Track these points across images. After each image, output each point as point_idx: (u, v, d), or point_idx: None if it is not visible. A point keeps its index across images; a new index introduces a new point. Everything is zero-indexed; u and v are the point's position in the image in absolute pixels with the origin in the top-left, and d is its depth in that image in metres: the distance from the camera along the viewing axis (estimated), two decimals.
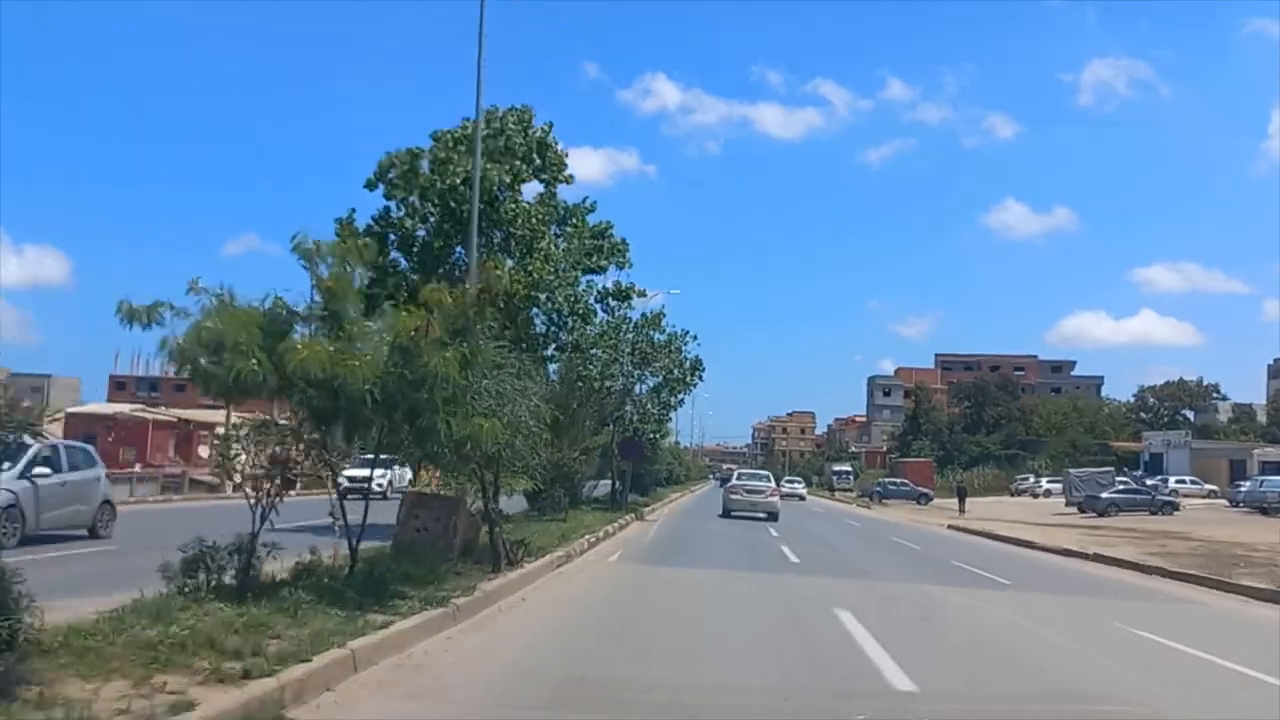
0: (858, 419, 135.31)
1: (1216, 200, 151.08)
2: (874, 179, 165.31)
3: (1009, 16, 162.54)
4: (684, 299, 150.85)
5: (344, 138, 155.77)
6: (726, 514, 30.94)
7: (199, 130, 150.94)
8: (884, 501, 55.41)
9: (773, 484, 34.16)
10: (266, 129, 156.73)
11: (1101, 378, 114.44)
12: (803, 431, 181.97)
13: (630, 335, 29.41)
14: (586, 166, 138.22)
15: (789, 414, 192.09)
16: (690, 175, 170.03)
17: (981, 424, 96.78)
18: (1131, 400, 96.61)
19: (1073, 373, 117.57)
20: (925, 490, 58.43)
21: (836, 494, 74.00)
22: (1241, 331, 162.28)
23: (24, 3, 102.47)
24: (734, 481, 34.65)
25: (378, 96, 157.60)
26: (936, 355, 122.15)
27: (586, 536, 18.03)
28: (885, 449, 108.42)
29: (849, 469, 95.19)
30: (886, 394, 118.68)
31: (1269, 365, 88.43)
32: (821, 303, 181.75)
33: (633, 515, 28.26)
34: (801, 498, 57.52)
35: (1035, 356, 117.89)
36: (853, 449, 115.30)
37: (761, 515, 30.30)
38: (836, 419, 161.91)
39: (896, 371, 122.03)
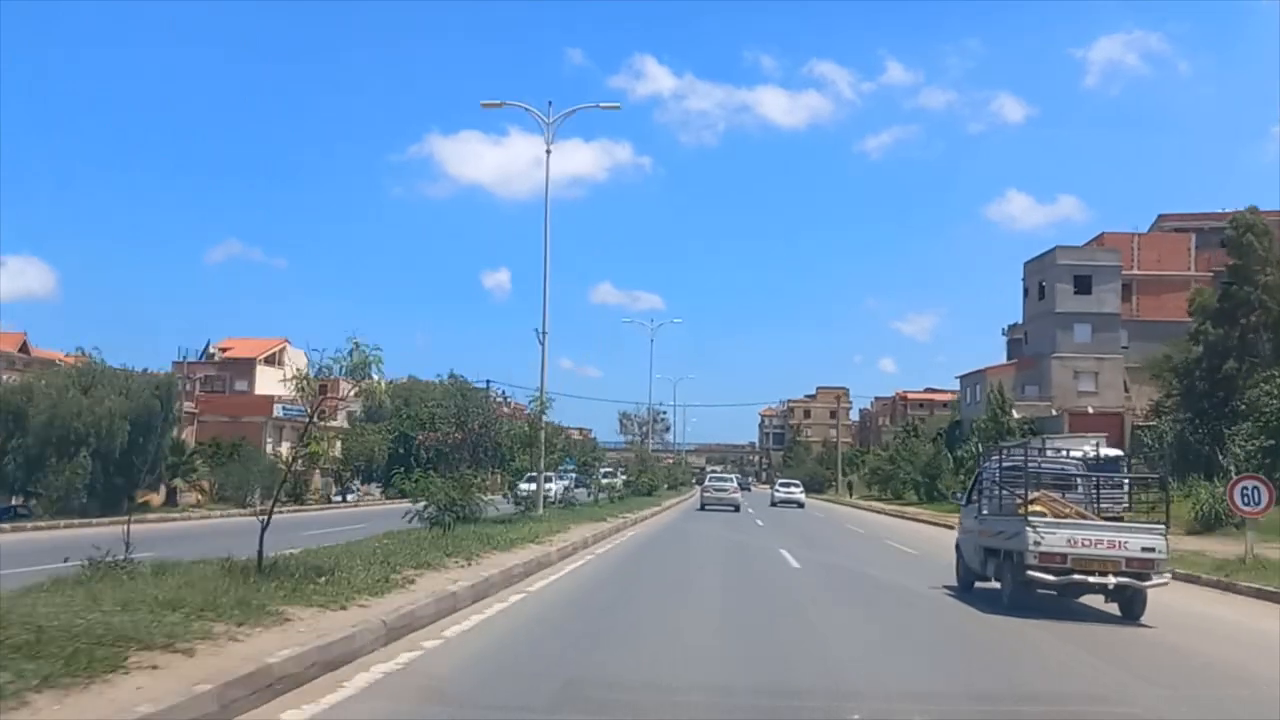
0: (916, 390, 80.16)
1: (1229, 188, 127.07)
2: (874, 168, 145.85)
3: None
4: (679, 298, 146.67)
5: (329, 138, 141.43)
6: (703, 507, 40.18)
7: (178, 129, 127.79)
8: None
9: (734, 484, 45.98)
10: (253, 129, 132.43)
11: None
12: (832, 415, 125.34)
13: None
14: (578, 162, 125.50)
15: (807, 395, 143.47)
16: (686, 166, 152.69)
17: None
18: None
19: None
20: None
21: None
22: None
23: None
24: (708, 483, 47.19)
25: (363, 95, 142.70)
26: (1160, 216, 58.76)
27: None
28: (1139, 407, 44.93)
29: (1120, 452, 31.41)
30: (1081, 288, 53.48)
31: None
32: (822, 297, 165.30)
33: None
34: (800, 504, 49.80)
35: None
36: (1014, 413, 51.10)
37: (730, 508, 39.33)
38: (878, 398, 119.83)
39: (1095, 242, 57.19)
